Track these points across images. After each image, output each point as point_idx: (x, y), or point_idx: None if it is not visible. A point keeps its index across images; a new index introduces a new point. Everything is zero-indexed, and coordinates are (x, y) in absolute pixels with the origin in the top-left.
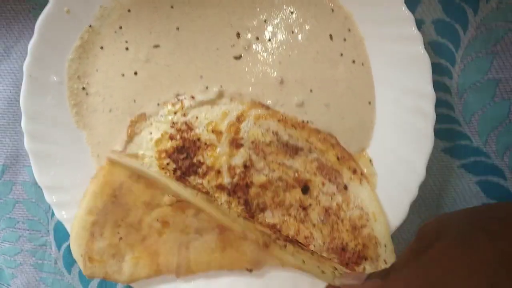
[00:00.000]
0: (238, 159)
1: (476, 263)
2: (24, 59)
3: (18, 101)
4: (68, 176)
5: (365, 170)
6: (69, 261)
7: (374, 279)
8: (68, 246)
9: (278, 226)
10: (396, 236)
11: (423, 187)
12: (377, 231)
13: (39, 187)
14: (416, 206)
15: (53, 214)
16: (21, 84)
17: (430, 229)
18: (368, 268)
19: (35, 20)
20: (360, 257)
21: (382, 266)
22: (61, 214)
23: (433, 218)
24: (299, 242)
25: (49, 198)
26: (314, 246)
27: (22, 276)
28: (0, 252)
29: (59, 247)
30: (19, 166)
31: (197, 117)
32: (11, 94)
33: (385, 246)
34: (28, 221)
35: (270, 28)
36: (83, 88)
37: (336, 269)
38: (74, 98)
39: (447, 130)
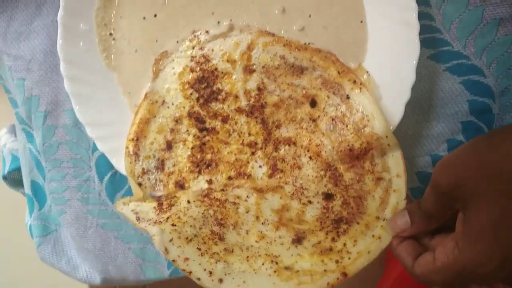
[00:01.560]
0: (252, 83)
1: None
2: (54, 15)
3: (54, 52)
4: (105, 113)
5: (363, 80)
6: (111, 192)
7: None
8: (110, 178)
9: (293, 139)
10: (397, 135)
11: (415, 91)
12: (376, 128)
13: (79, 128)
14: (410, 109)
15: (93, 150)
16: (54, 37)
17: (449, 176)
18: (376, 153)
19: None
20: (366, 150)
21: (387, 147)
22: (101, 146)
23: (449, 157)
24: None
25: (91, 133)
26: (325, 152)
27: (70, 211)
28: (48, 192)
29: (101, 180)
30: (59, 111)
31: (212, 50)
32: (46, 47)
33: (386, 137)
34: (72, 160)
35: None
36: (110, 34)
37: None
38: (103, 44)
39: (430, 39)
